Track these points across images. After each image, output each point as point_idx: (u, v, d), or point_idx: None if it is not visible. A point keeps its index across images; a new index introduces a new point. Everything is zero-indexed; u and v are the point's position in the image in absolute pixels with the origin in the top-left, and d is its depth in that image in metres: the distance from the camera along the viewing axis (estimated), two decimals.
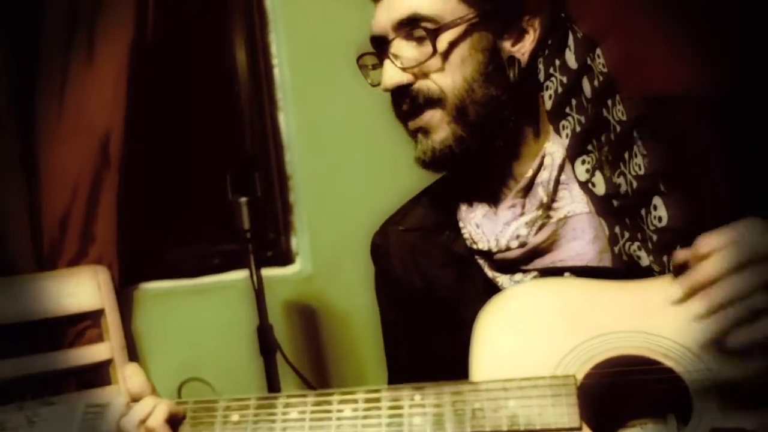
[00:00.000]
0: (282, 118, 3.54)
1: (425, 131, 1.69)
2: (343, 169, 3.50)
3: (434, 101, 1.66)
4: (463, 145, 1.66)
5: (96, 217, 2.96)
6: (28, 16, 2.85)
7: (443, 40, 1.64)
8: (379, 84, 1.71)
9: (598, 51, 1.70)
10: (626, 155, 1.64)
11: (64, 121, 2.89)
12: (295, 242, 3.54)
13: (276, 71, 3.53)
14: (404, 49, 1.67)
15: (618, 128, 1.65)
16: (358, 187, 3.48)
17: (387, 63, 1.69)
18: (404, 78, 1.67)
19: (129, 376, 1.63)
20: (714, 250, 1.39)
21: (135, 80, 2.98)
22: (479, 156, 1.69)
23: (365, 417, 1.49)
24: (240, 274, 3.20)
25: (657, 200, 1.61)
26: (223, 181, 2.90)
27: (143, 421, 1.56)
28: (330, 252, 3.46)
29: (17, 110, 2.88)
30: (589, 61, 1.68)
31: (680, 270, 1.44)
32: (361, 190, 3.48)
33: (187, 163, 3.39)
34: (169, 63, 3.25)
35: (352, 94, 2.02)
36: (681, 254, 1.44)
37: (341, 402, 1.51)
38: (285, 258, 3.52)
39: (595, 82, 1.67)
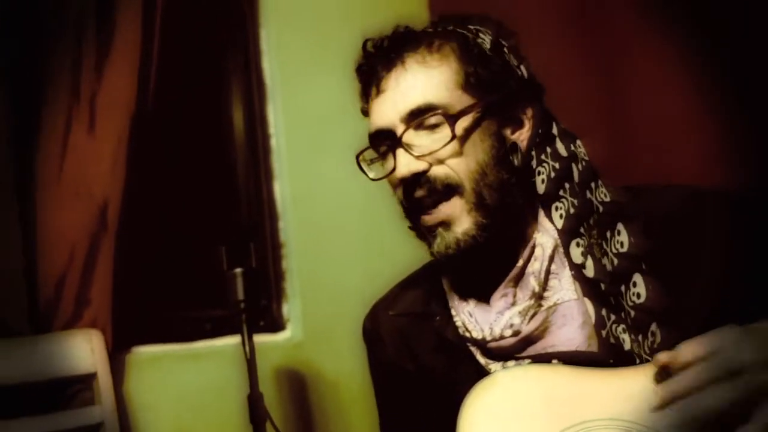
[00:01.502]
0: (277, 187, 3.59)
1: (446, 224, 1.72)
2: (337, 237, 3.54)
3: (452, 187, 1.70)
4: (485, 233, 1.70)
5: (92, 281, 2.98)
6: (32, 80, 2.90)
7: (459, 126, 1.69)
8: (380, 178, 1.76)
9: (578, 142, 1.77)
10: (608, 234, 1.70)
11: (63, 186, 2.93)
12: (286, 309, 3.57)
13: (273, 141, 3.59)
14: (416, 138, 1.71)
15: (601, 209, 1.72)
16: (350, 256, 3.53)
17: (400, 153, 1.72)
18: (420, 166, 1.71)
19: None
20: (693, 361, 1.42)
21: (135, 148, 3.02)
22: (495, 244, 1.73)
23: None
24: (232, 340, 3.21)
25: (637, 277, 1.66)
26: (218, 249, 2.94)
27: None
28: (321, 319, 3.49)
29: (17, 170, 2.92)
30: (573, 148, 1.75)
31: (662, 372, 1.48)
32: (354, 259, 3.52)
33: (184, 230, 3.43)
34: (168, 131, 3.30)
35: (347, 165, 2.06)
36: (663, 357, 1.47)
37: None
38: (276, 324, 3.55)
39: (580, 167, 1.74)
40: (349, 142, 1.84)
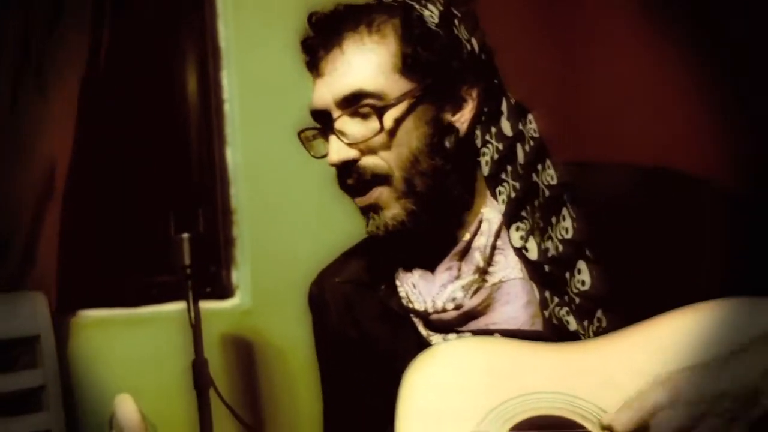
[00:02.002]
0: (229, 153, 3.56)
1: (376, 208, 1.72)
2: (288, 205, 3.52)
3: (381, 177, 1.70)
4: (415, 219, 1.70)
5: (37, 243, 2.95)
6: None
7: (389, 117, 1.68)
8: (322, 156, 1.75)
9: (530, 117, 1.75)
10: (554, 219, 1.69)
11: (10, 146, 2.89)
12: (235, 276, 3.54)
13: (226, 106, 3.56)
14: (349, 125, 1.70)
15: (547, 192, 1.71)
16: (301, 224, 3.50)
17: (332, 139, 1.71)
18: (351, 154, 1.70)
19: (120, 407, 1.60)
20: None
21: (85, 110, 2.99)
22: (428, 225, 1.72)
23: None
24: (178, 306, 3.17)
25: (581, 264, 1.66)
26: (166, 214, 2.91)
27: None
28: (270, 287, 3.47)
29: None
30: (521, 127, 1.73)
31: None
32: (305, 227, 3.50)
33: (133, 194, 3.39)
34: (119, 94, 3.26)
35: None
36: (606, 420, 1.48)
37: None
38: (225, 291, 3.52)
39: (527, 147, 1.72)
40: (304, 110, 1.82)
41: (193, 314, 2.81)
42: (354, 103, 1.69)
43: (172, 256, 2.82)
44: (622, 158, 1.80)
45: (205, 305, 2.98)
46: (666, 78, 2.75)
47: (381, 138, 1.68)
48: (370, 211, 1.73)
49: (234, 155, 3.55)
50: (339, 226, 1.94)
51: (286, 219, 3.51)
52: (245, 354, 3.41)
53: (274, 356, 3.44)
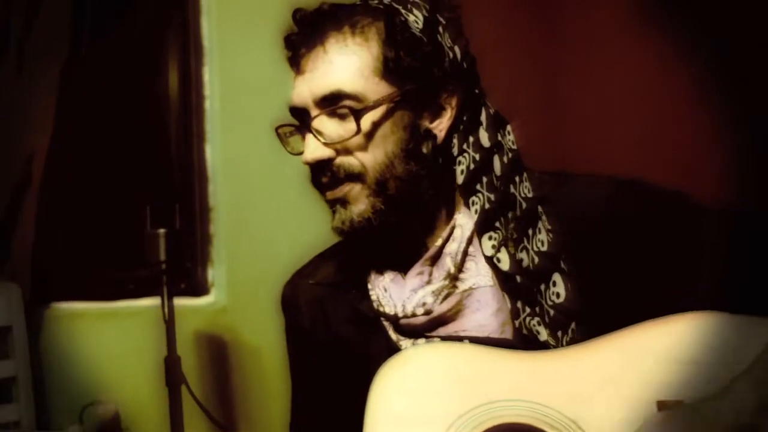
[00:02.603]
0: (209, 150, 3.55)
1: (343, 202, 1.72)
2: (266, 204, 3.51)
3: (354, 176, 1.70)
4: (381, 218, 1.70)
5: (13, 233, 2.94)
6: None
7: (366, 120, 1.67)
8: (298, 153, 1.74)
9: (509, 128, 1.76)
10: (530, 231, 1.70)
11: None
12: (211, 273, 3.53)
13: (207, 103, 3.55)
14: (327, 125, 1.70)
15: (524, 204, 1.71)
16: (279, 224, 3.50)
17: (309, 137, 1.71)
18: (326, 153, 1.69)
19: (97, 406, 1.61)
20: None
21: (64, 101, 2.98)
22: (396, 227, 1.72)
23: None
24: (154, 301, 3.16)
25: (557, 277, 1.67)
26: (144, 209, 2.91)
27: None
28: (246, 286, 3.46)
29: None
30: (499, 138, 1.73)
31: None
32: (282, 227, 3.49)
33: (111, 188, 3.38)
34: (100, 88, 3.25)
35: None
36: None
37: None
38: (200, 288, 3.51)
39: (505, 158, 1.72)
40: (284, 110, 1.81)
41: (166, 310, 2.81)
42: (333, 103, 1.68)
43: (148, 251, 2.82)
44: (605, 170, 1.80)
45: (180, 302, 2.98)
46: (652, 88, 2.75)
47: (357, 139, 1.68)
48: (337, 203, 1.73)
49: (213, 153, 3.54)
50: (316, 227, 1.93)
51: (263, 218, 3.50)
52: (219, 352, 3.40)
53: (247, 355, 3.43)
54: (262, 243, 3.46)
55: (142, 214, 2.89)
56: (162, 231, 2.81)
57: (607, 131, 2.77)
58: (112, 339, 3.21)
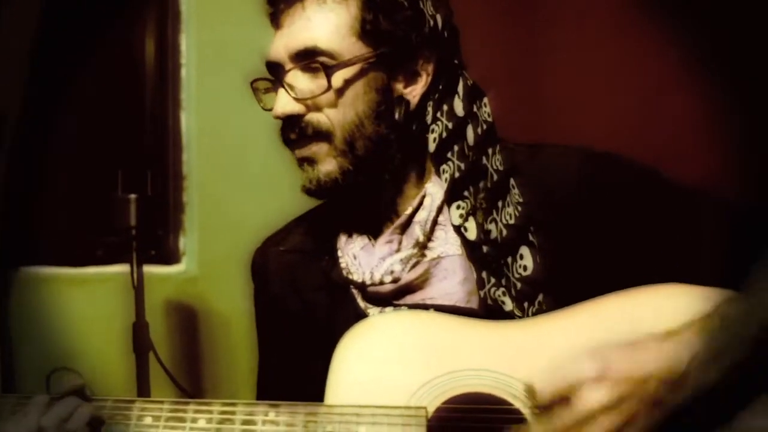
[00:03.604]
0: (184, 118, 3.53)
1: (311, 161, 1.72)
2: (240, 174, 3.49)
3: (322, 134, 1.70)
4: (349, 178, 1.71)
5: None
6: None
7: (339, 77, 1.68)
8: (271, 109, 1.74)
9: (485, 99, 1.76)
10: (500, 203, 1.70)
11: None
12: (183, 242, 3.52)
13: (183, 71, 3.53)
14: (299, 80, 1.70)
15: (495, 176, 1.71)
16: (252, 194, 3.48)
17: (281, 91, 1.72)
18: (296, 108, 1.70)
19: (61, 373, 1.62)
20: (552, 403, 1.43)
21: (37, 65, 2.95)
22: (363, 189, 1.73)
23: (218, 429, 1.52)
24: (124, 268, 3.15)
25: (524, 250, 1.68)
26: (115, 173, 2.89)
27: (64, 420, 1.56)
28: (217, 255, 3.45)
29: None
30: (475, 109, 1.74)
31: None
32: (256, 197, 3.48)
33: (82, 153, 3.35)
34: (75, 51, 3.22)
35: (255, 103, 2.05)
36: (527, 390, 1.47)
37: (196, 412, 1.53)
38: (171, 257, 3.50)
39: (479, 130, 1.73)
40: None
41: (135, 276, 2.80)
42: (307, 58, 1.69)
43: (118, 216, 2.81)
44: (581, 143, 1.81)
45: (151, 270, 2.97)
46: (633, 65, 2.75)
47: (328, 96, 1.69)
48: (305, 162, 1.73)
49: (188, 121, 3.52)
50: (290, 198, 1.93)
51: (237, 188, 3.49)
52: (188, 320, 3.39)
53: (217, 324, 3.43)
54: (234, 213, 3.45)
55: (114, 179, 2.87)
56: (133, 196, 2.80)
57: (586, 106, 2.76)
58: (80, 305, 3.20)
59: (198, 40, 3.49)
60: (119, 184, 2.84)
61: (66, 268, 3.26)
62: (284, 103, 1.71)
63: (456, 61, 1.77)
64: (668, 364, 1.41)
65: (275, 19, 1.74)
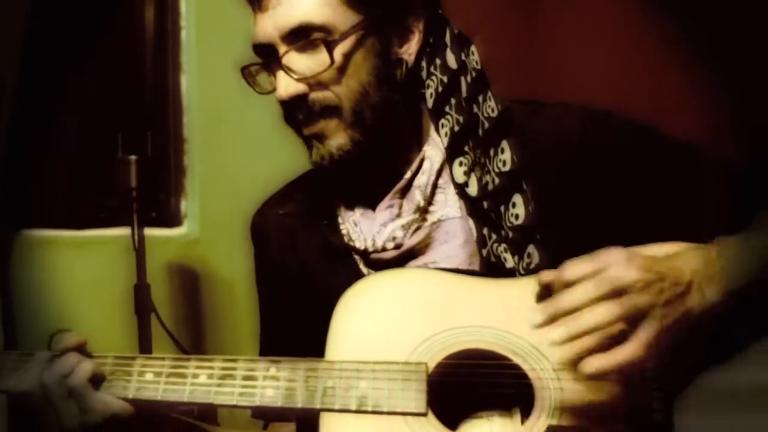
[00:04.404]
0: (184, 81, 3.52)
1: (320, 137, 1.70)
2: (241, 137, 3.49)
3: (331, 109, 1.68)
4: (361, 149, 1.69)
5: None
6: None
7: (339, 51, 1.65)
8: (267, 92, 1.73)
9: (473, 48, 1.74)
10: (492, 152, 1.69)
11: None
12: (184, 205, 3.53)
13: (183, 33, 3.52)
14: (297, 60, 1.67)
15: (486, 124, 1.70)
16: (253, 157, 3.48)
17: (280, 74, 1.68)
18: (299, 88, 1.67)
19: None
20: (578, 279, 1.42)
21: (36, 26, 2.94)
22: (375, 157, 1.72)
23: (219, 385, 1.53)
24: (125, 231, 3.16)
25: (517, 198, 1.66)
26: (115, 135, 2.89)
27: (65, 376, 1.57)
28: (219, 218, 3.46)
29: None
30: (464, 57, 1.73)
31: (544, 291, 1.47)
32: (257, 160, 3.48)
33: (83, 115, 3.35)
34: (74, 13, 3.21)
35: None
36: (546, 276, 1.46)
37: (198, 368, 1.54)
38: (173, 219, 3.51)
39: (468, 78, 1.72)
40: None
41: (136, 237, 2.81)
42: (301, 37, 1.66)
43: (118, 177, 2.81)
44: (578, 100, 1.80)
45: (152, 232, 2.98)
46: (630, 24, 2.74)
47: (330, 72, 1.66)
48: (313, 139, 1.71)
49: (189, 84, 3.52)
50: (291, 160, 1.92)
51: (238, 151, 3.49)
52: (190, 283, 3.41)
53: (218, 287, 3.44)
54: (235, 176, 3.45)
55: (114, 141, 2.87)
56: (133, 157, 2.80)
57: (584, 62, 2.75)
58: (82, 267, 3.21)
59: (198, 3, 3.48)
60: (119, 146, 2.84)
61: (67, 230, 3.27)
62: (286, 85, 1.68)
63: (440, 11, 1.75)
64: (674, 274, 1.43)
65: (256, 1, 1.70)
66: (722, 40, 2.56)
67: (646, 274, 1.41)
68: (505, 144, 1.68)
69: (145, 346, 2.79)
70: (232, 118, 3.47)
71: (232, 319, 3.42)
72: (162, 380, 1.54)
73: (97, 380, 1.59)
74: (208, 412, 2.93)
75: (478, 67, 1.73)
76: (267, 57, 1.72)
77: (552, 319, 1.42)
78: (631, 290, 1.40)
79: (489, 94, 1.72)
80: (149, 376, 1.55)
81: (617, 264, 1.42)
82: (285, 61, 1.68)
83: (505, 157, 1.68)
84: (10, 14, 2.89)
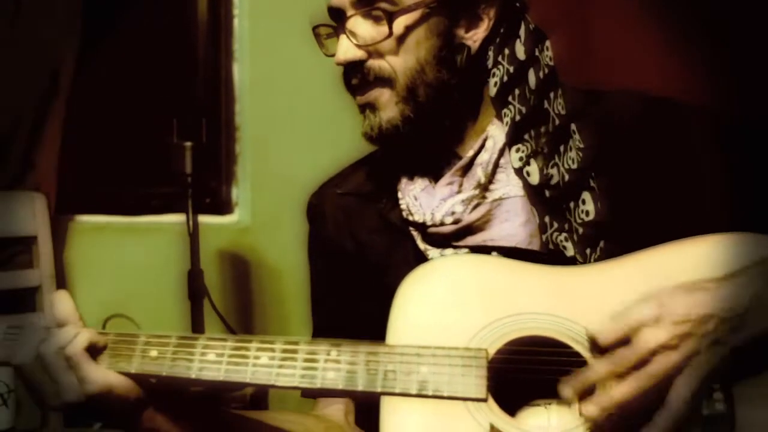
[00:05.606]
0: (236, 69, 3.55)
1: (373, 107, 1.71)
2: (292, 125, 3.51)
3: (384, 80, 1.69)
4: (410, 125, 1.69)
5: (38, 144, 2.96)
6: None
7: (400, 23, 1.66)
8: (332, 55, 1.73)
9: (547, 43, 1.74)
10: (561, 148, 1.69)
11: (15, 47, 2.88)
12: (236, 193, 3.55)
13: (236, 22, 3.54)
14: (361, 26, 1.69)
15: (557, 121, 1.70)
16: (304, 145, 3.50)
17: (342, 38, 1.70)
18: (358, 54, 1.69)
19: (57, 302, 1.61)
20: (612, 344, 1.43)
21: (92, 15, 2.96)
22: (424, 135, 1.72)
23: (281, 366, 1.52)
24: (177, 218, 3.20)
25: (586, 195, 1.66)
26: (170, 124, 2.91)
27: (63, 348, 1.54)
28: (270, 206, 3.48)
29: None
30: (537, 53, 1.72)
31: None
32: (308, 149, 3.49)
33: (137, 103, 3.38)
34: (129, 2, 3.24)
35: (308, 53, 2.05)
36: (591, 332, 1.46)
37: (259, 349, 1.54)
38: (224, 207, 3.54)
39: (540, 74, 1.71)
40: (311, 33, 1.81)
41: (191, 223, 2.82)
42: (369, 3, 1.68)
43: (173, 163, 2.82)
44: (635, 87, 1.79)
45: (204, 219, 3.00)
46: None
47: (389, 43, 1.68)
48: (366, 108, 1.73)
49: (241, 72, 3.54)
50: (343, 148, 1.93)
51: (289, 139, 3.50)
52: (241, 271, 3.43)
53: (269, 275, 3.46)
54: (287, 164, 3.47)
55: (169, 128, 2.89)
56: (188, 143, 2.81)
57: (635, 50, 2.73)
58: (135, 253, 3.24)
59: None
60: (175, 131, 2.86)
61: (121, 216, 3.30)
62: (346, 49, 1.70)
63: (517, 4, 1.75)
64: (728, 304, 1.40)
65: None
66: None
67: (680, 327, 1.40)
68: (573, 142, 1.68)
69: (198, 331, 2.81)
70: (284, 106, 3.49)
71: (280, 307, 3.44)
72: (224, 360, 1.54)
73: (95, 350, 1.57)
74: (260, 398, 2.98)
75: (551, 63, 1.73)
76: (337, 20, 1.73)
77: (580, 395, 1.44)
78: (655, 358, 1.39)
79: (559, 91, 1.72)
80: (211, 356, 1.55)
81: (648, 325, 1.41)
82: (349, 25, 1.69)
83: (573, 155, 1.67)
84: (69, 3, 2.92)
